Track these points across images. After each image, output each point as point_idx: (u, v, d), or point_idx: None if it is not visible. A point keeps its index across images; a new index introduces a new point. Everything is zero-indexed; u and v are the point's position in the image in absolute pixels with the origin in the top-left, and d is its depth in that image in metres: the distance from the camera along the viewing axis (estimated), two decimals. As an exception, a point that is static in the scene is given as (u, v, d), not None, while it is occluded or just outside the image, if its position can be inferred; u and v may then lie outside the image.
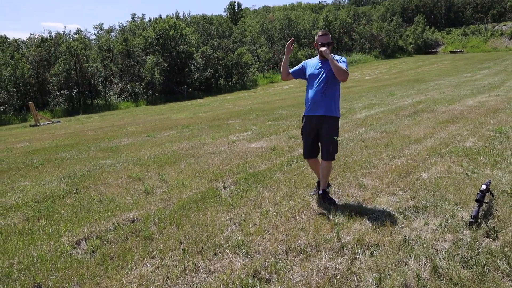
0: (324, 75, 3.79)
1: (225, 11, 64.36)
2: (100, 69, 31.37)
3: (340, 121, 9.19)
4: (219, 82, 37.23)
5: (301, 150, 6.45)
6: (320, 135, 3.86)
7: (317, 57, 3.93)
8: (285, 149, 6.70)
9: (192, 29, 40.04)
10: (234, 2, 57.54)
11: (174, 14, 59.04)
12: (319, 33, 3.85)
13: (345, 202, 3.84)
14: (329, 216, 3.49)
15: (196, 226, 3.50)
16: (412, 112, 9.60)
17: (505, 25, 59.12)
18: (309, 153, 4.02)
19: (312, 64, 3.94)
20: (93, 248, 3.22)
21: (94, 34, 57.30)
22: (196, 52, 35.27)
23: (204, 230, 3.40)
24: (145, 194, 4.65)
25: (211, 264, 2.81)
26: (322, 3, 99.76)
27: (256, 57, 41.36)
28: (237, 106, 18.07)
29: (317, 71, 3.84)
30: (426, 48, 57.19)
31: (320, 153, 3.95)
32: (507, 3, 63.67)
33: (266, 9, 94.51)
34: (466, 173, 4.35)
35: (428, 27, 61.35)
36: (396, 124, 8.11)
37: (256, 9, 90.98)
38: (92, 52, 33.58)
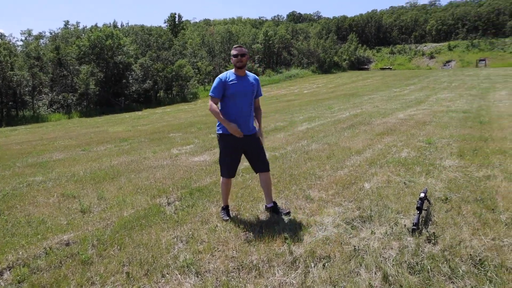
0: (248, 94, 3.70)
1: (165, 22, 63.23)
2: (28, 77, 29.02)
3: (283, 134, 9.27)
4: (158, 94, 36.28)
5: (245, 163, 6.40)
6: (250, 151, 3.79)
7: (233, 71, 3.74)
8: (230, 162, 6.60)
9: (130, 39, 38.79)
10: (175, 14, 56.84)
11: (111, 23, 56.87)
12: (233, 47, 3.70)
13: (294, 215, 3.84)
14: (279, 230, 3.45)
15: (140, 246, 3.27)
16: (350, 124, 10.04)
17: (425, 46, 65.34)
18: (233, 172, 3.86)
19: (231, 80, 3.67)
20: (20, 278, 2.85)
21: (21, 40, 53.00)
22: (135, 63, 34.14)
23: (149, 250, 3.18)
24: (82, 214, 4.28)
25: (159, 287, 2.62)
26: (261, 18, 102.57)
27: (196, 70, 41.02)
28: (177, 118, 17.68)
29: (239, 88, 3.65)
30: (359, 65, 61.01)
31: (254, 169, 3.88)
32: (427, 26, 70.54)
33: (207, 22, 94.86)
34: (404, 182, 4.59)
35: (360, 45, 65.65)
36: (336, 136, 8.41)
37: (196, 22, 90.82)
38: (18, 59, 30.99)
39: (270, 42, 57.11)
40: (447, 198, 3.94)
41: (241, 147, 3.77)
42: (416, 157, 5.86)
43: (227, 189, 3.95)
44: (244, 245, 3.19)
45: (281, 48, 60.16)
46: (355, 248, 2.94)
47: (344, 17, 79.16)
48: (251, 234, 3.42)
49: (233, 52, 3.66)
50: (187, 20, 73.03)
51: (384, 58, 63.97)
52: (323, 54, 56.80)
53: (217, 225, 3.67)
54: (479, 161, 5.37)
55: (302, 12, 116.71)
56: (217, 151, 7.73)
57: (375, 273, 2.62)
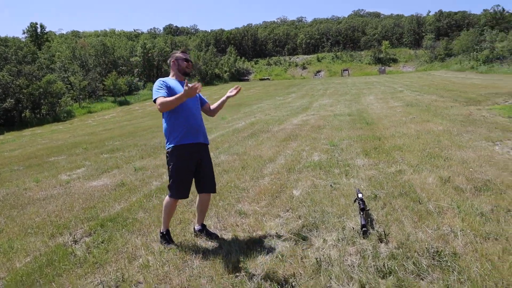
0: (197, 99, 3.40)
1: (24, 33, 55.77)
2: None
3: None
4: (23, 114, 31.62)
5: (156, 183, 5.78)
6: (202, 166, 3.32)
7: (172, 78, 3.33)
8: (136, 183, 5.88)
9: (-20, 52, 33.07)
10: (36, 23, 50.58)
11: (-49, 33, 47.85)
12: (179, 51, 3.37)
13: (234, 234, 3.48)
14: (225, 254, 3.06)
15: (55, 304, 2.52)
16: (251, 133, 10.05)
17: (298, 57, 71.53)
18: (187, 191, 3.31)
19: (175, 85, 3.23)
20: None
21: None
22: (-11, 79, 29.16)
23: (70, 307, 2.47)
24: (-50, 274, 3.19)
25: None
26: (137, 31, 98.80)
27: (69, 85, 37.07)
28: (54, 140, 15.54)
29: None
30: (239, 76, 63.26)
31: (201, 187, 3.40)
32: (297, 40, 77.38)
33: (75, 34, 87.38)
34: (330, 185, 4.63)
35: (239, 57, 68.24)
36: (242, 145, 8.27)
37: (63, 34, 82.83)
38: None
39: (149, 55, 55.26)
40: (376, 196, 4.06)
41: (195, 159, 3.26)
42: (329, 159, 6.04)
43: (172, 212, 3.43)
44: (192, 278, 2.72)
45: (161, 61, 58.67)
46: (317, 261, 2.74)
47: (222, 30, 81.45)
48: (195, 263, 2.95)
49: (183, 55, 3.32)
50: (51, 31, 65.96)
51: (262, 69, 67.69)
52: (204, 66, 57.30)
53: (148, 260, 3.09)
54: (384, 158, 5.79)
55: (179, 25, 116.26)
56: (116, 172, 6.88)
57: (348, 284, 2.45)
